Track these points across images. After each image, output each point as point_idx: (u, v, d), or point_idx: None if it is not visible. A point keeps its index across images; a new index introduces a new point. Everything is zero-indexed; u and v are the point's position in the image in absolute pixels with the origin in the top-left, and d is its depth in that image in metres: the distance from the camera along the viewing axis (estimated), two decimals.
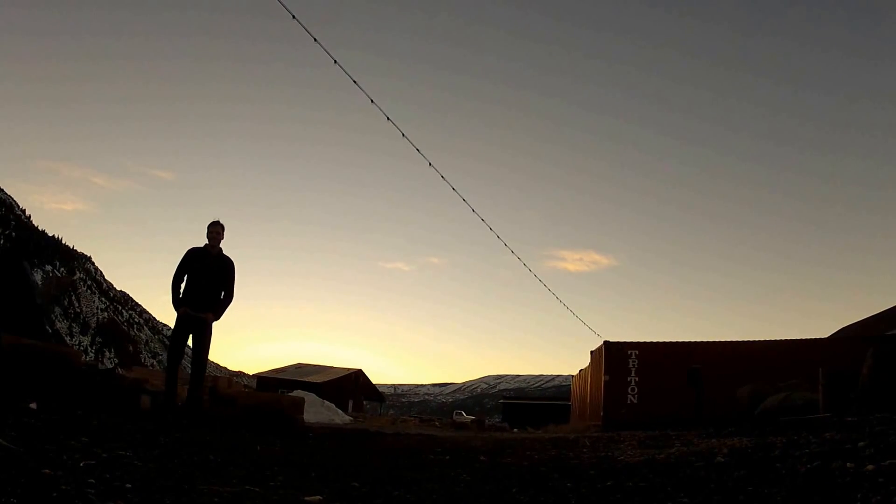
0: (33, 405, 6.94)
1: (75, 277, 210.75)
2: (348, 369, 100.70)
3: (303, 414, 13.83)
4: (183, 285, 11.68)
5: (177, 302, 11.51)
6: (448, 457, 6.49)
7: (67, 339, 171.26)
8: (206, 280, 11.65)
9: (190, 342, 11.62)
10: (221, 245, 12.02)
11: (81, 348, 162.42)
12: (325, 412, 35.04)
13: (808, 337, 30.18)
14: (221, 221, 12.00)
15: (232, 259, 12.07)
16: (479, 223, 23.00)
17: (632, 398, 31.06)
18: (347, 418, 37.35)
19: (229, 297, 11.92)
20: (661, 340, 32.67)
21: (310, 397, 33.40)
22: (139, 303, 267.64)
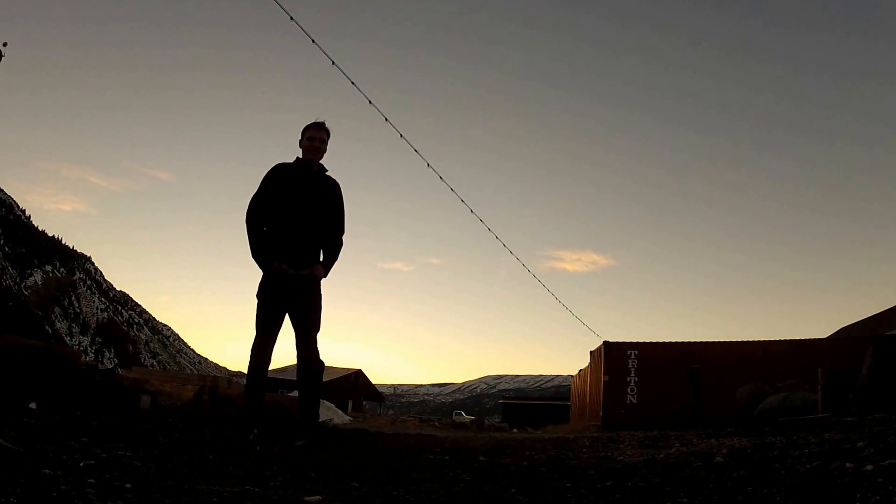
0: (33, 405, 6.91)
1: (75, 277, 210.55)
2: (348, 369, 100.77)
3: None
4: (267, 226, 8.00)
5: (263, 252, 7.82)
6: (447, 457, 6.49)
7: (67, 339, 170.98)
8: (308, 215, 7.98)
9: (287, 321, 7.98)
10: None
11: (81, 348, 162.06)
12: (325, 412, 34.93)
13: (808, 337, 30.21)
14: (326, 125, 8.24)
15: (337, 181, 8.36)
16: (478, 223, 23.00)
17: (631, 398, 31.09)
18: (347, 418, 37.29)
19: (341, 242, 8.25)
20: (660, 340, 32.71)
21: None
22: (139, 303, 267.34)
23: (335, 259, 8.19)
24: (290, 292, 7.78)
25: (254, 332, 7.79)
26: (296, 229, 7.90)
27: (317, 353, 7.92)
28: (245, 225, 7.91)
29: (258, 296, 7.89)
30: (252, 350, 7.84)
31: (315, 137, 8.12)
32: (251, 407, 7.78)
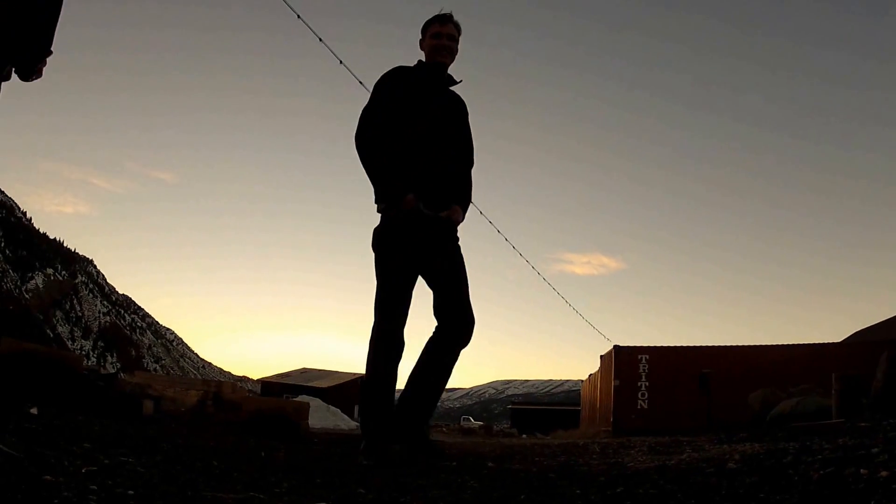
0: (34, 410, 6.93)
1: (77, 281, 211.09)
2: (354, 374, 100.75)
3: (308, 419, 13.83)
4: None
5: (395, 178, 5.70)
6: (455, 463, 6.47)
7: (69, 343, 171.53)
8: (443, 137, 5.93)
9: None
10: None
11: (83, 353, 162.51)
12: (331, 417, 35.11)
13: (821, 341, 30.19)
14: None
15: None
16: (484, 223, 22.97)
17: (642, 403, 31.14)
18: (353, 424, 37.39)
19: (471, 177, 6.33)
20: (671, 345, 32.74)
21: (315, 402, 33.48)
22: (142, 306, 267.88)
23: (469, 199, 6.23)
24: (428, 241, 5.77)
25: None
26: (429, 154, 5.79)
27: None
28: (359, 146, 5.79)
29: (382, 247, 5.83)
30: (380, 334, 5.86)
31: (442, 34, 5.90)
32: (384, 416, 5.79)
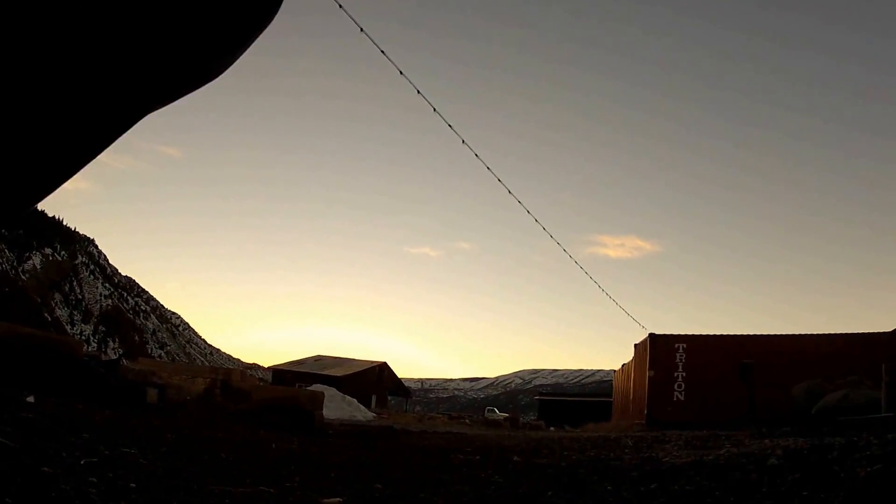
0: (31, 399, 6.99)
1: (77, 262, 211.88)
2: (372, 362, 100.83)
3: (322, 410, 13.87)
4: None
5: None
6: (478, 457, 6.50)
7: (68, 327, 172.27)
8: None
9: None
10: None
11: (83, 338, 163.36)
12: (347, 408, 35.20)
13: (870, 331, 29.96)
14: None
15: None
16: (513, 205, 23.11)
17: (678, 395, 31.05)
18: (370, 415, 37.50)
19: None
20: (710, 333, 32.61)
21: (329, 392, 33.51)
22: (146, 289, 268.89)
23: None
24: None
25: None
26: None
27: None
28: None
29: None
30: None
31: None
32: None
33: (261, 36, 1.42)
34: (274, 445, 6.56)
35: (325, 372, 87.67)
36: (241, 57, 1.41)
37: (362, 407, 39.25)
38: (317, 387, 36.51)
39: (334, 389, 39.01)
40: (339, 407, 33.21)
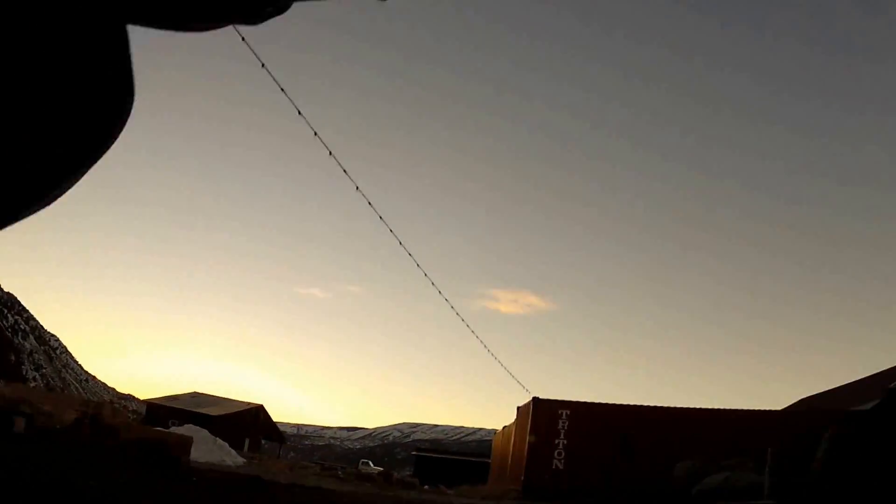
0: None
1: None
2: (248, 404, 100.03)
3: (189, 454, 13.54)
4: None
5: None
6: None
7: None
8: None
9: None
10: None
11: None
12: (217, 451, 34.50)
13: (760, 408, 30.26)
14: None
15: None
16: (405, 254, 22.74)
17: (558, 463, 30.92)
18: (240, 460, 36.79)
19: None
20: (595, 401, 32.64)
21: (200, 434, 32.87)
22: (27, 307, 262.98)
23: None
24: None
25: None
26: None
27: None
28: None
29: None
30: None
31: None
32: None
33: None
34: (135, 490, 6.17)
35: (200, 410, 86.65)
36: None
37: (233, 451, 38.52)
38: (189, 427, 35.81)
39: (206, 431, 38.31)
40: (209, 450, 32.55)
